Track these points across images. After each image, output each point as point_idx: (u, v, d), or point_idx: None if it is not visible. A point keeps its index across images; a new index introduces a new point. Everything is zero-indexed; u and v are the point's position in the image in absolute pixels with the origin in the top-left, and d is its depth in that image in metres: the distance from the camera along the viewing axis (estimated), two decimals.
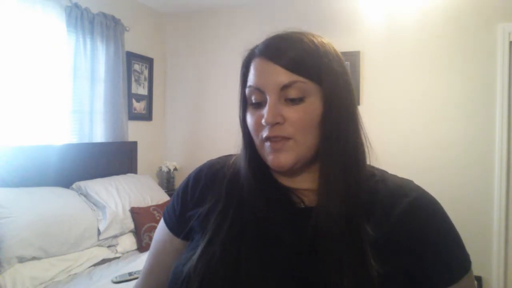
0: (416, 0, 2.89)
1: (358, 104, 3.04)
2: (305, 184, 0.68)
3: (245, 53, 0.70)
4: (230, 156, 0.78)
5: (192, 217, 0.72)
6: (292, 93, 0.62)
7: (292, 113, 0.62)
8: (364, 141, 0.66)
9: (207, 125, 3.61)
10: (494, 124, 2.73)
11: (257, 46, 0.68)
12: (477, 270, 2.73)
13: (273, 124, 0.62)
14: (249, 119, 0.67)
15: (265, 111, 0.62)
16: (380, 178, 0.67)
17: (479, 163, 2.77)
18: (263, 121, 0.62)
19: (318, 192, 0.64)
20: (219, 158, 0.80)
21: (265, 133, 0.63)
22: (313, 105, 0.62)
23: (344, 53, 3.03)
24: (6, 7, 2.29)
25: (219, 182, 0.73)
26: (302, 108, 0.62)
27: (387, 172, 0.70)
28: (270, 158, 0.64)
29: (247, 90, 0.66)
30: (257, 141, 0.66)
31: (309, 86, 0.62)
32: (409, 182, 0.67)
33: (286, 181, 0.69)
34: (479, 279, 2.70)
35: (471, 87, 2.79)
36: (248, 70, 0.67)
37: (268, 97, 0.63)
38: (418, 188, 0.66)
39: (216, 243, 0.64)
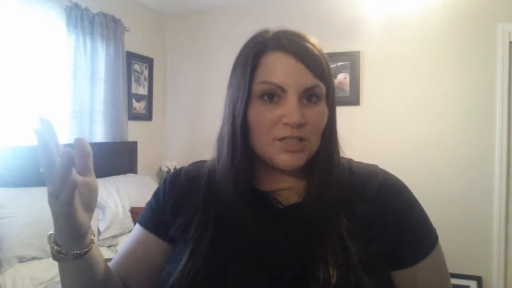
0: (416, 0, 2.89)
1: (358, 104, 3.05)
2: (282, 184, 0.68)
3: (251, 45, 0.66)
4: (204, 161, 0.77)
5: (171, 223, 0.70)
6: (311, 96, 0.63)
7: (311, 115, 0.62)
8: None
9: (207, 125, 3.61)
10: (494, 124, 2.73)
11: (265, 38, 0.65)
12: (477, 270, 2.73)
13: (298, 125, 0.61)
14: (258, 115, 0.63)
15: (290, 110, 0.60)
16: (348, 167, 0.70)
17: (479, 163, 2.77)
18: (287, 120, 0.60)
19: (310, 189, 0.65)
20: (192, 165, 0.78)
21: (283, 133, 0.61)
22: (324, 109, 0.65)
23: (344, 53, 3.05)
24: (6, 7, 2.29)
25: (195, 190, 0.71)
26: (318, 111, 0.64)
27: (353, 160, 0.73)
28: (282, 157, 0.62)
29: (262, 85, 0.62)
30: (264, 138, 0.63)
31: (323, 90, 0.64)
32: (375, 167, 0.71)
33: (262, 185, 0.69)
34: (479, 279, 2.70)
35: (471, 87, 2.79)
36: (258, 63, 0.63)
37: (289, 96, 0.61)
38: (383, 171, 0.69)
39: (200, 253, 0.62)
